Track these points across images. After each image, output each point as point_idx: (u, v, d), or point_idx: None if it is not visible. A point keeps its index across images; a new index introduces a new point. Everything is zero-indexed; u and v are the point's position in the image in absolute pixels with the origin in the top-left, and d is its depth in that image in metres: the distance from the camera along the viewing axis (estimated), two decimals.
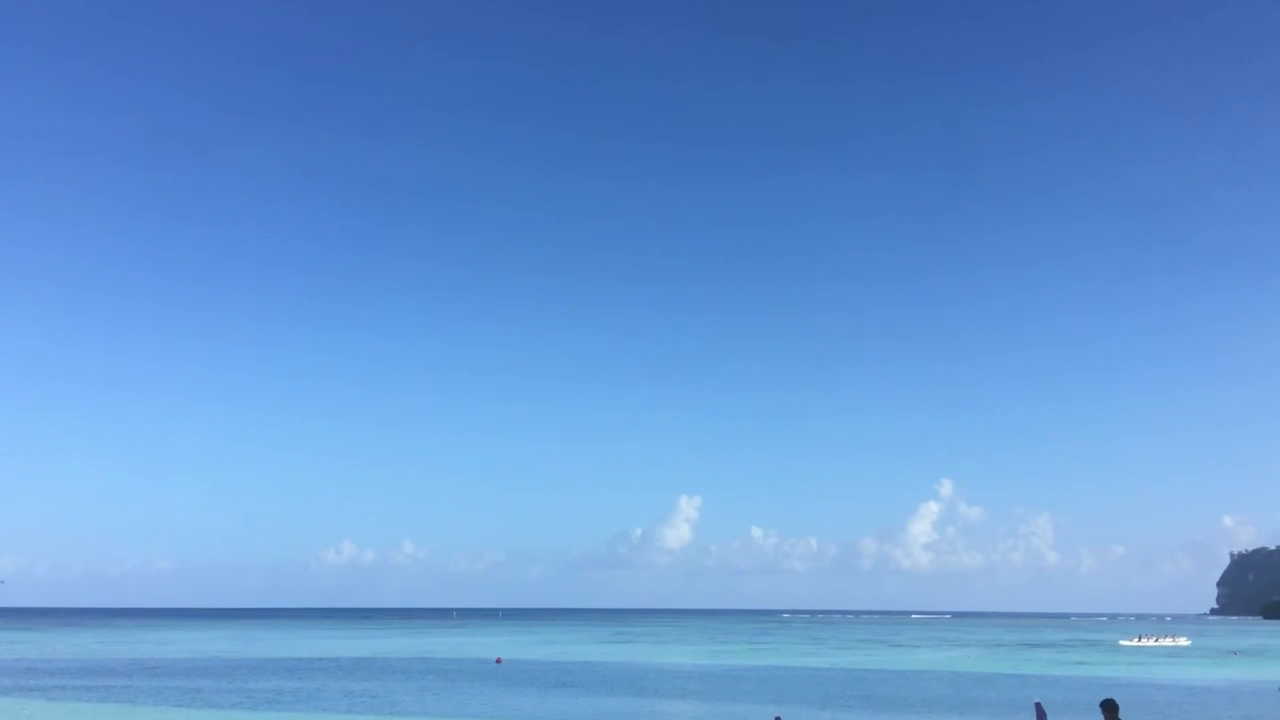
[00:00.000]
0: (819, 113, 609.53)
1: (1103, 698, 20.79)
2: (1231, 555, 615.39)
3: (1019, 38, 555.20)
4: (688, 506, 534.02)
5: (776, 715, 25.06)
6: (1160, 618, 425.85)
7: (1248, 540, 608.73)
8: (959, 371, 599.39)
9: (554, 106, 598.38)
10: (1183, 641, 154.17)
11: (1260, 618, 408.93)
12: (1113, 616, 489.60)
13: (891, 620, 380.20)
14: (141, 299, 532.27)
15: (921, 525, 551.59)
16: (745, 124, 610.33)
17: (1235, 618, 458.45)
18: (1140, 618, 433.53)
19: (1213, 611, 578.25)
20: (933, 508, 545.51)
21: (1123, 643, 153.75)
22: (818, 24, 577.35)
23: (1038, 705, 23.45)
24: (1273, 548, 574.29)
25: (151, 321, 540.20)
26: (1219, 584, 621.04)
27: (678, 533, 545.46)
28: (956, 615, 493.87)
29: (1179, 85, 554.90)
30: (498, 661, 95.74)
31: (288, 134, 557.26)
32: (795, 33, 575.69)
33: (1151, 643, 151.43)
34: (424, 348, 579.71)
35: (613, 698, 62.57)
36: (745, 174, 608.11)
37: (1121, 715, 20.22)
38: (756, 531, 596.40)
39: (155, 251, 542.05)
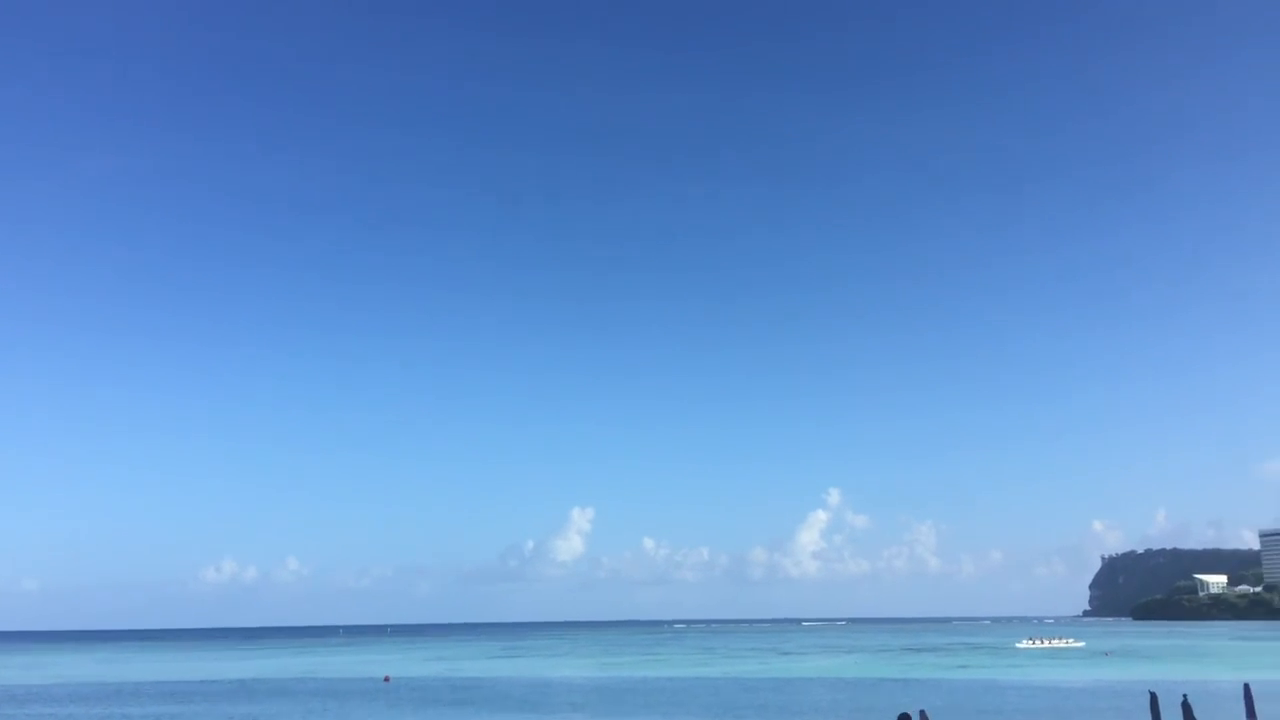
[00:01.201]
0: (711, 124, 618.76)
1: (900, 711, 20.38)
2: (1102, 559, 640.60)
3: (906, 49, 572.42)
4: (580, 518, 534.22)
5: None
6: (1041, 620, 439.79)
7: (1116, 544, 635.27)
8: (846, 382, 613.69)
9: (446, 115, 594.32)
10: (1075, 643, 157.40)
11: (1130, 618, 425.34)
12: (996, 620, 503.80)
13: (782, 628, 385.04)
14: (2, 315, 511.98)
15: (810, 534, 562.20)
16: (642, 136, 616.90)
17: (1109, 619, 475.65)
18: (1024, 620, 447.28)
19: (1085, 613, 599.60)
20: (821, 516, 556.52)
21: (1018, 645, 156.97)
22: (711, 37, 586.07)
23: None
24: (1140, 551, 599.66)
25: (10, 337, 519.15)
26: (1091, 586, 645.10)
27: (570, 545, 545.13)
28: (857, 622, 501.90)
29: (1048, 99, 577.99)
30: (385, 680, 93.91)
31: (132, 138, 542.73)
32: (687, 45, 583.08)
33: (1046, 644, 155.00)
34: (305, 364, 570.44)
35: (504, 714, 61.86)
36: (637, 187, 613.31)
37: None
38: (649, 542, 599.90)
39: (14, 264, 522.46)
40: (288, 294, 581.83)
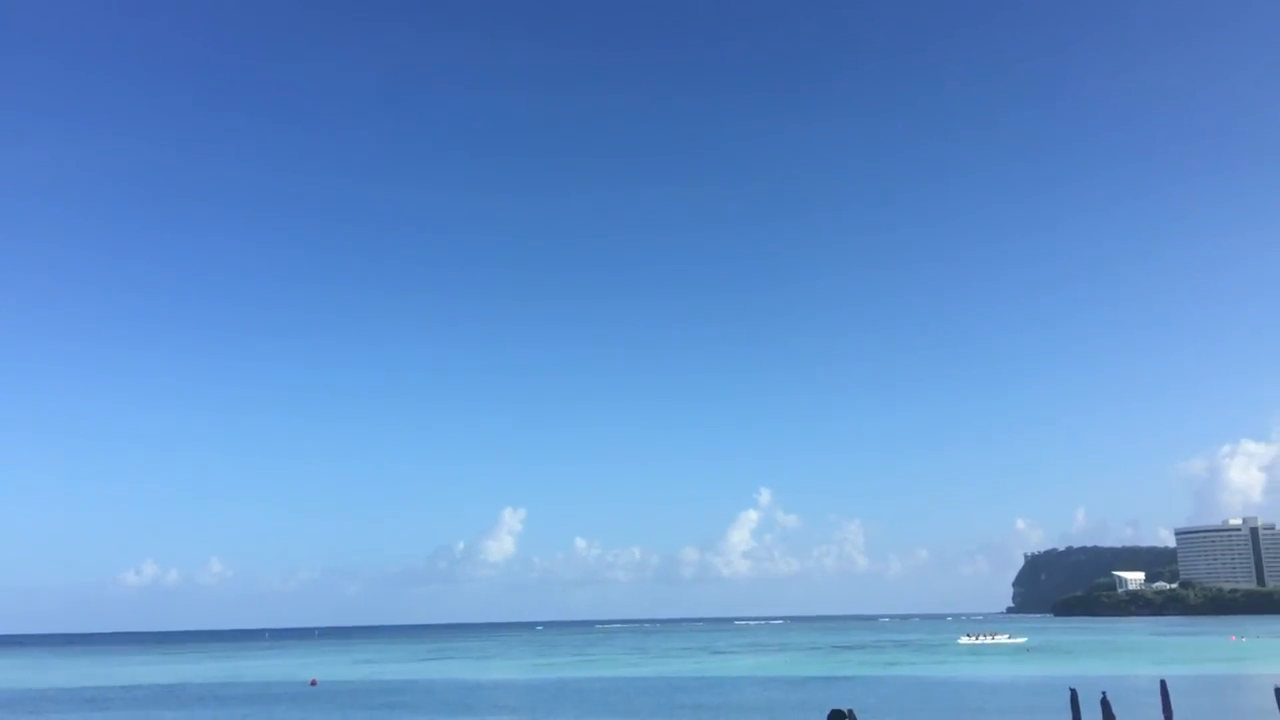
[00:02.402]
0: (636, 126, 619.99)
1: (831, 708, 20.25)
2: (1025, 556, 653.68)
3: (834, 53, 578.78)
4: (511, 519, 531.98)
5: None
6: (969, 617, 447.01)
7: (1038, 542, 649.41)
8: (776, 382, 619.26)
9: (375, 113, 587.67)
10: (1017, 639, 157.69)
11: (1052, 614, 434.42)
12: (924, 617, 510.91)
13: (714, 627, 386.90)
14: None
15: (741, 533, 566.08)
16: (573, 137, 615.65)
17: (1032, 615, 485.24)
18: (955, 617, 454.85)
19: (1009, 610, 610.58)
20: (752, 516, 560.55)
21: (960, 641, 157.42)
22: (639, 38, 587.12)
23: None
24: (1061, 549, 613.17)
25: None
26: (1014, 583, 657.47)
27: (501, 545, 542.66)
28: (788, 620, 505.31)
29: (983, 99, 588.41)
30: (312, 684, 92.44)
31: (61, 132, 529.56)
32: (616, 46, 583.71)
33: (989, 640, 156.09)
34: (223, 365, 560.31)
35: (434, 717, 61.35)
36: (570, 187, 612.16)
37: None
38: (580, 542, 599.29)
39: None
40: (202, 294, 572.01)
